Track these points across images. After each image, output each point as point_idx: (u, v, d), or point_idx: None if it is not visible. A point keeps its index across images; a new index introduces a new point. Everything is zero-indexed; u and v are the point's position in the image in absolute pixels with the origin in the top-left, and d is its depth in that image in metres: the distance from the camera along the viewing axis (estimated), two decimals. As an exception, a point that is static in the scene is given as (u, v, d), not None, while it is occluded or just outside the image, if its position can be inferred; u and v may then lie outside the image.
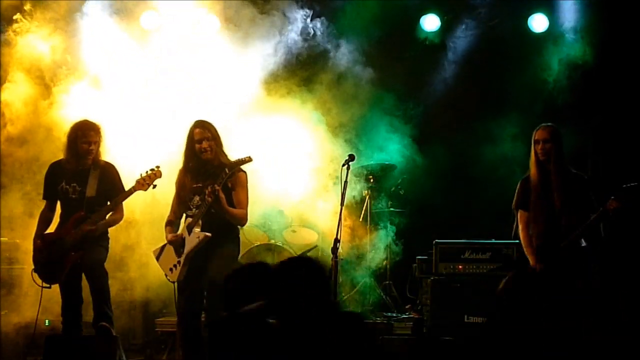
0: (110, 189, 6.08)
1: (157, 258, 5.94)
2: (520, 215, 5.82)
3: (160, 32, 7.87)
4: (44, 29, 7.59)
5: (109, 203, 6.03)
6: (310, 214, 7.87)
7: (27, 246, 6.34)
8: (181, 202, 5.89)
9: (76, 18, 7.68)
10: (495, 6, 8.27)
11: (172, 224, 5.94)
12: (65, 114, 7.23)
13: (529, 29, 8.15)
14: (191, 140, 5.79)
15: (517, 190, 5.86)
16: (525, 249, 5.70)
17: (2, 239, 7.19)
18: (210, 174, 5.72)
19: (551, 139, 5.66)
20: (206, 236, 5.63)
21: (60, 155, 6.21)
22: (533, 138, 5.75)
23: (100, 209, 5.98)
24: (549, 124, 5.80)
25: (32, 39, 7.58)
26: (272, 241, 7.83)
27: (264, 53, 7.77)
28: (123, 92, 7.67)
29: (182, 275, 5.72)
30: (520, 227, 5.80)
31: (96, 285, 5.90)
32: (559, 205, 5.61)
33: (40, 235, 6.09)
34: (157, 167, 6.02)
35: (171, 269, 5.78)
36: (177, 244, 5.76)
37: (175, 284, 5.77)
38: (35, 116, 7.51)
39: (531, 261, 5.62)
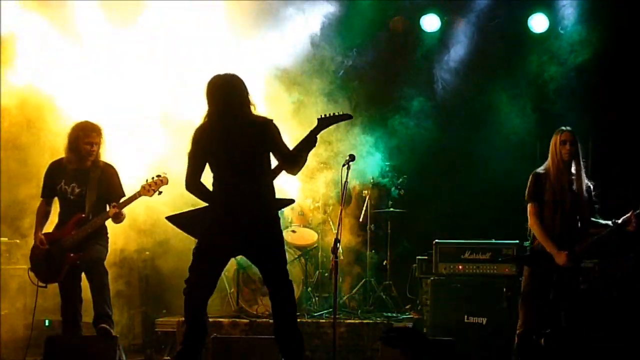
0: (109, 191, 6.04)
1: None
2: (532, 207, 5.64)
3: (162, 29, 7.84)
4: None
5: (107, 205, 6.02)
6: (310, 215, 7.86)
7: (27, 246, 6.34)
8: None
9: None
10: (495, 6, 8.27)
11: None
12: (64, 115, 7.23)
13: (529, 29, 8.16)
14: None
15: (530, 183, 5.68)
16: (544, 241, 5.49)
17: (2, 239, 7.19)
18: None
19: (576, 142, 5.66)
20: None
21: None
22: (558, 139, 5.62)
23: (101, 211, 5.98)
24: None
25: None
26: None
27: (268, 49, 7.77)
28: (122, 92, 7.66)
29: None
30: (533, 219, 5.62)
31: (97, 284, 5.88)
32: (570, 207, 5.59)
33: (42, 230, 6.05)
34: (164, 173, 5.99)
35: None
36: None
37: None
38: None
39: (553, 251, 5.45)
